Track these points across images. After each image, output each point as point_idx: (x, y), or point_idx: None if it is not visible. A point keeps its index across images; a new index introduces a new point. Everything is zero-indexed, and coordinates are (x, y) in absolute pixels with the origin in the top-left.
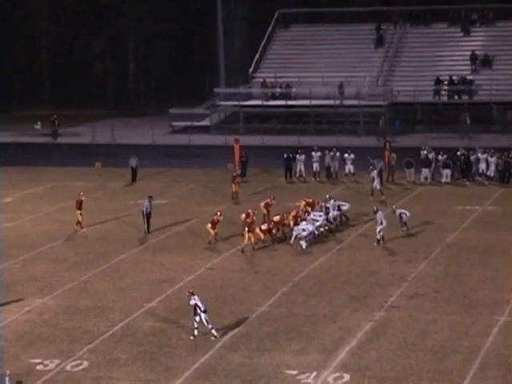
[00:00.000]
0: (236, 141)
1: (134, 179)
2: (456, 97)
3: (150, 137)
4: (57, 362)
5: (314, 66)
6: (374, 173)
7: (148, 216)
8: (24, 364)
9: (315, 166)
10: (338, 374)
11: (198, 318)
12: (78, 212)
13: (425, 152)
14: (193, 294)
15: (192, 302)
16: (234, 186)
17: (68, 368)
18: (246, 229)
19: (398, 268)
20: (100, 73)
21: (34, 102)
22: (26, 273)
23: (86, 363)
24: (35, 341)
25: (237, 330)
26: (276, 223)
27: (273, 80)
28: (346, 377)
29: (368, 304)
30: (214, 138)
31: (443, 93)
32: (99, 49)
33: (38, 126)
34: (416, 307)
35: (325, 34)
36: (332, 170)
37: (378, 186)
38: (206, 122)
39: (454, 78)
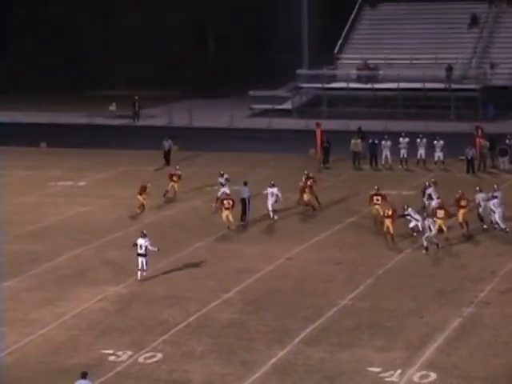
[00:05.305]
0: (317, 125)
1: (167, 162)
2: None
3: (228, 120)
4: (129, 353)
5: (403, 47)
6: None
7: (248, 202)
8: (96, 354)
9: (402, 152)
10: (423, 372)
11: (140, 260)
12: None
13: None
14: (144, 235)
15: (138, 242)
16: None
17: (141, 360)
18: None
19: (489, 262)
20: (177, 51)
21: (107, 82)
22: (100, 259)
23: (159, 355)
24: (108, 330)
25: (317, 323)
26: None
27: (358, 62)
28: (433, 375)
29: (456, 299)
30: (295, 121)
31: None
32: (177, 26)
33: (113, 107)
34: (508, 303)
35: (414, 13)
36: (419, 157)
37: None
38: (287, 105)
39: None
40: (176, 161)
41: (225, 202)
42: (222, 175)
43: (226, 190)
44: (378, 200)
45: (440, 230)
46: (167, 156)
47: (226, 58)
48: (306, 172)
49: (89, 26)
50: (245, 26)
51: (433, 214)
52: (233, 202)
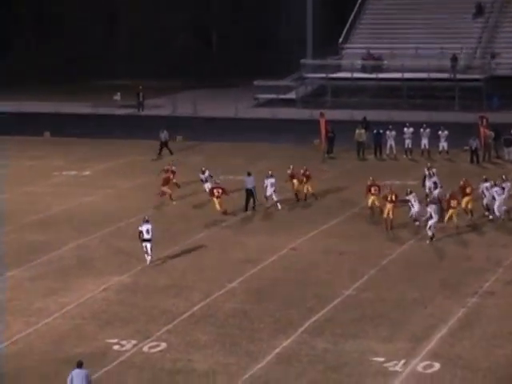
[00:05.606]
0: (321, 115)
1: (160, 153)
2: None
3: (232, 110)
4: (134, 342)
5: (407, 37)
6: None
7: (253, 192)
8: (100, 344)
9: (407, 142)
10: (427, 362)
11: (144, 244)
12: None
13: None
14: (147, 221)
15: (140, 228)
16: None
17: (145, 349)
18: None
19: (494, 252)
20: (178, 51)
21: (112, 72)
22: (104, 249)
23: (163, 344)
24: (112, 320)
25: (321, 314)
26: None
27: (363, 51)
28: (437, 365)
29: (461, 290)
30: (299, 111)
31: None
32: (177, 26)
33: (118, 96)
34: None
35: (419, 3)
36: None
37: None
38: (291, 95)
39: None
40: (179, 151)
41: (214, 190)
42: (203, 172)
43: (208, 185)
44: (375, 190)
45: (450, 218)
46: (164, 147)
47: (227, 58)
48: (304, 168)
49: (89, 25)
50: (245, 26)
51: (447, 203)
52: (222, 190)
